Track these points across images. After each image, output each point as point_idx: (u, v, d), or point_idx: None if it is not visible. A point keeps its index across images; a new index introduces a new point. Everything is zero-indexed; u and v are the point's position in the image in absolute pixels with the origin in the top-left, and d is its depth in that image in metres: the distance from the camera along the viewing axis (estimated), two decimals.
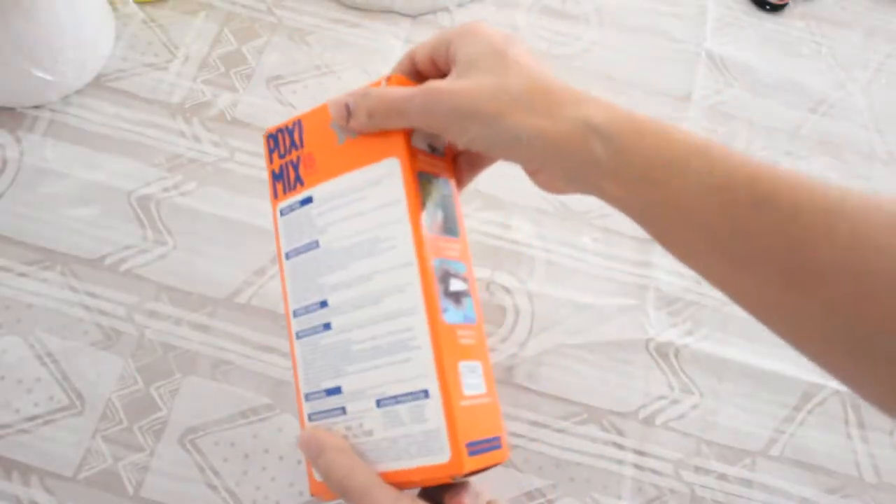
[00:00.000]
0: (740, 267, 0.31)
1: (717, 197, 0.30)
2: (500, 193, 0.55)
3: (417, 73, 0.38)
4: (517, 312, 0.52)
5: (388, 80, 0.36)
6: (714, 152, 0.31)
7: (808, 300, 0.29)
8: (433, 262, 0.35)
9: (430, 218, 0.36)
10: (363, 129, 0.36)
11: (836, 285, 0.28)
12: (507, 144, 0.33)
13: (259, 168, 0.54)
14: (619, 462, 0.49)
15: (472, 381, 0.35)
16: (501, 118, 0.32)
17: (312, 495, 0.37)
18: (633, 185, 0.31)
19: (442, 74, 0.36)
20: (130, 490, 0.45)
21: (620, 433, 0.50)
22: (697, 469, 0.49)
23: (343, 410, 0.36)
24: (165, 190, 0.53)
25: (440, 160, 0.38)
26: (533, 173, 0.36)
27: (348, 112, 0.36)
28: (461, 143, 0.34)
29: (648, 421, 0.50)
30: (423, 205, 0.36)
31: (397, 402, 0.34)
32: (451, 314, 0.35)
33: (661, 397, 0.51)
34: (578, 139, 0.31)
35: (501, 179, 0.56)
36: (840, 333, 0.29)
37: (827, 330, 0.30)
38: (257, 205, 0.53)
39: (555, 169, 0.34)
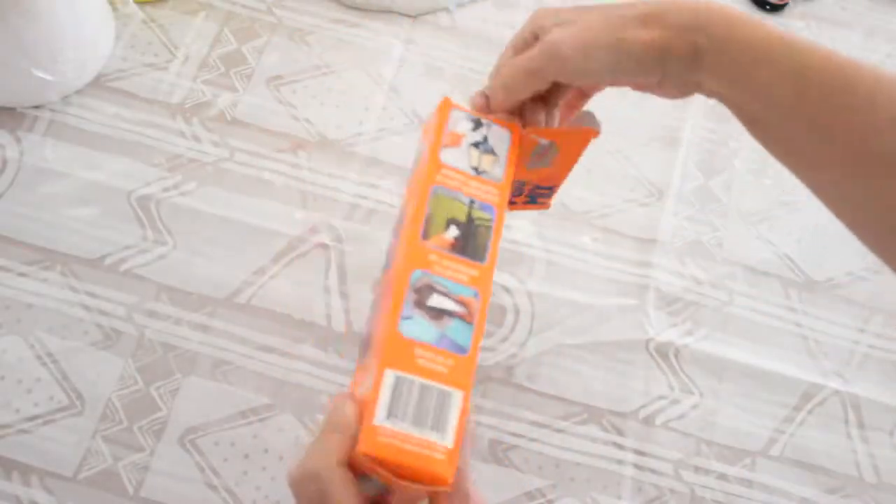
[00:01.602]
0: (815, 155, 0.33)
1: (794, 83, 0.32)
2: None
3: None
4: (517, 312, 0.52)
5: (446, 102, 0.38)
6: (796, 42, 0.33)
7: (876, 191, 0.31)
8: (415, 273, 0.35)
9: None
10: (505, 104, 0.38)
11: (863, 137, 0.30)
12: (627, 63, 0.35)
13: (258, 168, 0.54)
14: (619, 462, 0.49)
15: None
16: (622, 41, 0.35)
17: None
18: (727, 77, 0.34)
19: None
20: (130, 490, 0.45)
21: (620, 433, 0.50)
22: (697, 469, 0.49)
23: None
24: (165, 190, 0.53)
25: None
26: (640, 86, 0.38)
27: (487, 99, 0.39)
28: (584, 75, 0.37)
29: (648, 421, 0.50)
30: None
31: None
32: (412, 326, 0.34)
33: (661, 397, 0.51)
34: (686, 41, 0.34)
35: None
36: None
37: (891, 223, 0.31)
38: (257, 205, 0.53)
39: (664, 73, 0.36)
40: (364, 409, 0.31)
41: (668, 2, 0.36)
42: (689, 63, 0.35)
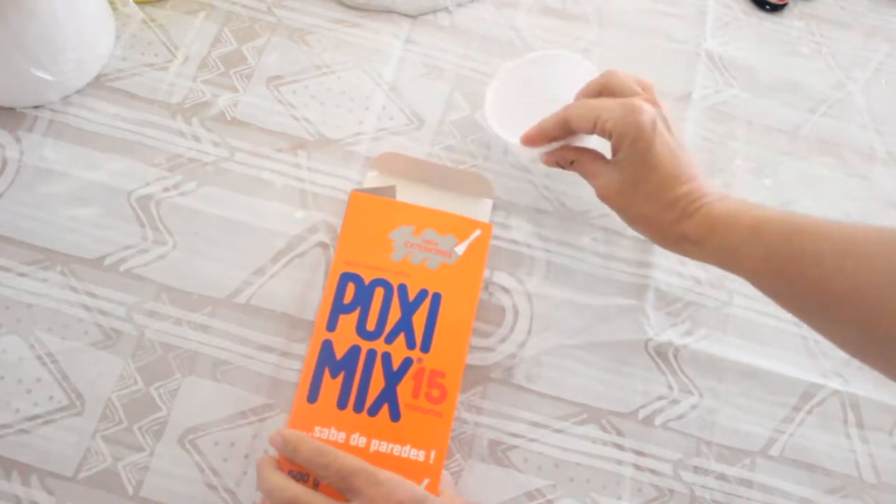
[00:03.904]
0: (781, 302, 0.42)
1: (763, 257, 0.41)
2: (500, 193, 0.55)
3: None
4: (516, 312, 0.52)
5: None
6: (762, 228, 0.42)
7: (835, 325, 0.40)
8: None
9: None
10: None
11: (849, 308, 0.38)
12: (625, 222, 0.49)
13: (258, 168, 0.54)
14: (619, 462, 0.49)
15: None
16: (626, 209, 0.48)
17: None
18: (709, 255, 0.45)
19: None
20: (130, 490, 0.45)
21: (620, 433, 0.50)
22: (697, 469, 0.49)
23: None
24: (165, 190, 0.53)
25: None
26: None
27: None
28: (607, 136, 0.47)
29: (648, 421, 0.50)
30: None
31: None
32: None
33: (661, 397, 0.51)
34: (675, 224, 0.45)
35: (501, 179, 0.56)
36: (864, 343, 0.38)
37: (855, 343, 0.39)
38: (257, 205, 0.53)
39: (655, 240, 0.48)
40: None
41: (672, 175, 0.45)
42: (680, 240, 0.45)
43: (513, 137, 0.51)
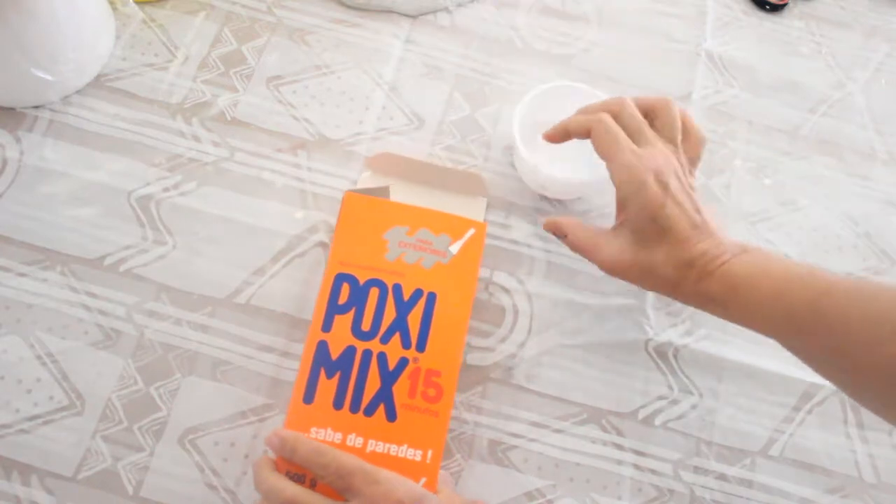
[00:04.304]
0: (811, 364, 0.42)
1: (789, 320, 0.41)
2: (500, 193, 0.55)
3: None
4: (516, 313, 0.52)
5: None
6: (786, 289, 0.41)
7: (867, 392, 0.40)
8: None
9: None
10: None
11: (864, 368, 0.38)
12: (644, 288, 0.47)
13: (258, 168, 0.54)
14: (619, 462, 0.49)
15: None
16: (642, 276, 0.45)
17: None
18: (734, 316, 0.44)
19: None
20: (130, 490, 0.45)
21: (620, 433, 0.50)
22: (697, 469, 0.49)
23: None
24: (165, 190, 0.53)
25: None
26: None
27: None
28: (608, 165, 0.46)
29: (648, 421, 0.50)
30: None
31: None
32: None
33: (661, 397, 0.51)
34: (696, 284, 0.44)
35: (501, 179, 0.56)
36: (878, 398, 0.39)
37: (864, 395, 0.40)
38: (257, 205, 0.53)
39: (678, 299, 0.46)
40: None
41: (687, 234, 0.44)
42: (701, 297, 0.44)
43: (535, 155, 0.51)
